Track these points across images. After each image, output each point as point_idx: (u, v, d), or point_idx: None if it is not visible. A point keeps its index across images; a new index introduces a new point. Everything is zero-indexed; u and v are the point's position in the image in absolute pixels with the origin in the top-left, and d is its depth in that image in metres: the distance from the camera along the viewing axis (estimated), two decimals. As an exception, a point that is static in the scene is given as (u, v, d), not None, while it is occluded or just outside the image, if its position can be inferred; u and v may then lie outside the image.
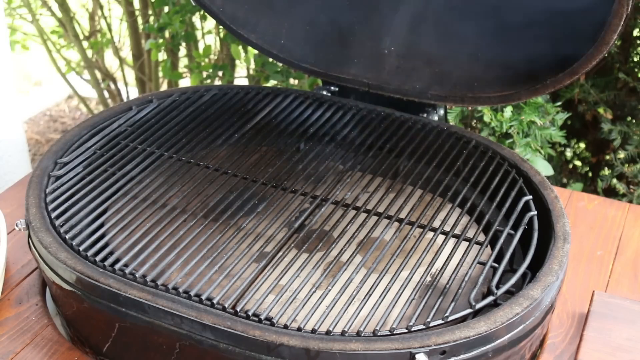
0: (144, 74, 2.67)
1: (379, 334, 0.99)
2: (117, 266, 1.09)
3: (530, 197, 1.26)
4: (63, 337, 1.20)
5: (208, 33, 2.52)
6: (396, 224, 1.22)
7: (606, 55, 1.20)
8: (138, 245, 1.14)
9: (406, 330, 1.00)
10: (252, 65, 2.37)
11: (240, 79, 2.68)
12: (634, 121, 1.99)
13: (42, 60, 3.55)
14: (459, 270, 1.12)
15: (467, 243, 1.18)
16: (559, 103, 1.89)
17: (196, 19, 2.43)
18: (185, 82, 2.59)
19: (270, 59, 2.14)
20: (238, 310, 1.02)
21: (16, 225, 1.21)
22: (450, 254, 1.15)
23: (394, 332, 1.00)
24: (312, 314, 1.02)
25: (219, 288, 1.06)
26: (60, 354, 1.16)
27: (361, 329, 1.00)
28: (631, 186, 1.99)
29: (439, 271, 1.12)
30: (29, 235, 1.19)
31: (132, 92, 2.88)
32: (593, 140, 2.13)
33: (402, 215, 1.22)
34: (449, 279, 1.09)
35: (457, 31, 1.39)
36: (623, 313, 1.20)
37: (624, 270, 1.36)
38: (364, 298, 1.05)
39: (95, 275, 1.07)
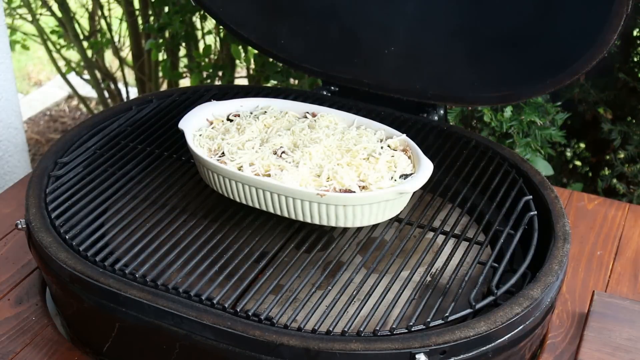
0: (144, 74, 2.67)
1: (379, 334, 0.99)
2: (117, 266, 1.09)
3: (530, 197, 1.26)
4: (63, 337, 1.20)
5: (208, 33, 2.52)
6: (396, 224, 1.22)
7: (606, 55, 1.20)
8: (138, 245, 1.14)
9: (406, 330, 1.00)
10: (252, 65, 2.37)
11: (240, 79, 2.68)
12: (634, 121, 1.98)
13: (42, 60, 3.55)
14: (459, 270, 1.12)
15: (467, 243, 1.18)
16: (559, 103, 1.89)
17: (196, 19, 2.43)
18: (185, 82, 2.59)
19: (270, 59, 2.14)
20: (238, 310, 1.03)
21: (16, 225, 1.21)
22: (450, 254, 1.15)
23: (394, 332, 1.00)
24: (312, 314, 1.02)
25: (219, 288, 1.06)
26: (60, 354, 1.16)
27: (361, 329, 1.00)
28: (631, 186, 1.99)
29: (439, 271, 1.12)
30: (29, 235, 1.19)
31: (132, 92, 2.88)
32: (593, 140, 2.13)
33: (402, 215, 1.22)
34: (449, 279, 1.09)
35: (457, 31, 1.39)
36: (623, 313, 1.20)
37: (624, 270, 1.36)
38: (364, 298, 1.05)
39: (95, 275, 1.07)
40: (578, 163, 2.21)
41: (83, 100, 2.95)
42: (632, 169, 1.97)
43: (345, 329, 1.00)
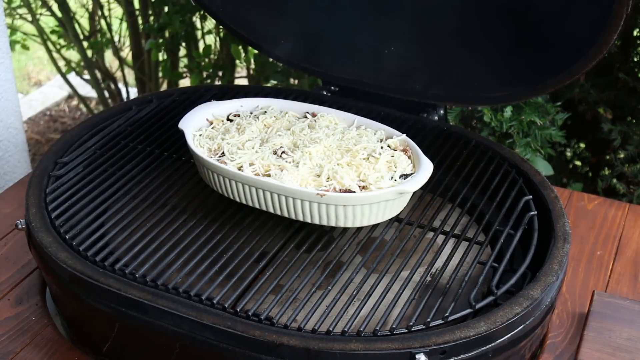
0: (144, 74, 2.67)
1: (379, 334, 0.99)
2: (117, 266, 1.09)
3: (530, 197, 1.26)
4: (63, 337, 1.20)
5: (208, 33, 2.52)
6: (396, 224, 1.22)
7: (606, 55, 1.20)
8: (138, 245, 1.14)
9: (406, 330, 1.00)
10: (252, 65, 2.37)
11: (240, 79, 2.68)
12: (634, 121, 1.98)
13: (42, 60, 3.55)
14: (459, 270, 1.12)
15: (467, 243, 1.18)
16: (559, 103, 1.89)
17: (196, 19, 2.43)
18: (185, 82, 2.59)
19: (270, 59, 2.14)
20: (238, 310, 1.03)
21: (16, 225, 1.22)
22: (450, 254, 1.15)
23: (394, 332, 1.00)
24: (312, 314, 1.02)
25: (219, 288, 1.06)
26: (60, 354, 1.16)
27: (361, 329, 1.00)
28: (631, 186, 1.99)
29: (439, 271, 1.12)
30: (29, 235, 1.19)
31: (132, 92, 2.88)
32: (593, 140, 2.13)
33: (402, 215, 1.22)
34: (449, 279, 1.09)
35: (457, 31, 1.39)
36: (623, 313, 1.20)
37: (624, 270, 1.36)
38: (364, 298, 1.05)
39: (95, 275, 1.07)
40: (578, 163, 2.21)
41: (83, 100, 2.95)
42: (632, 169, 1.97)
43: (345, 329, 1.00)
